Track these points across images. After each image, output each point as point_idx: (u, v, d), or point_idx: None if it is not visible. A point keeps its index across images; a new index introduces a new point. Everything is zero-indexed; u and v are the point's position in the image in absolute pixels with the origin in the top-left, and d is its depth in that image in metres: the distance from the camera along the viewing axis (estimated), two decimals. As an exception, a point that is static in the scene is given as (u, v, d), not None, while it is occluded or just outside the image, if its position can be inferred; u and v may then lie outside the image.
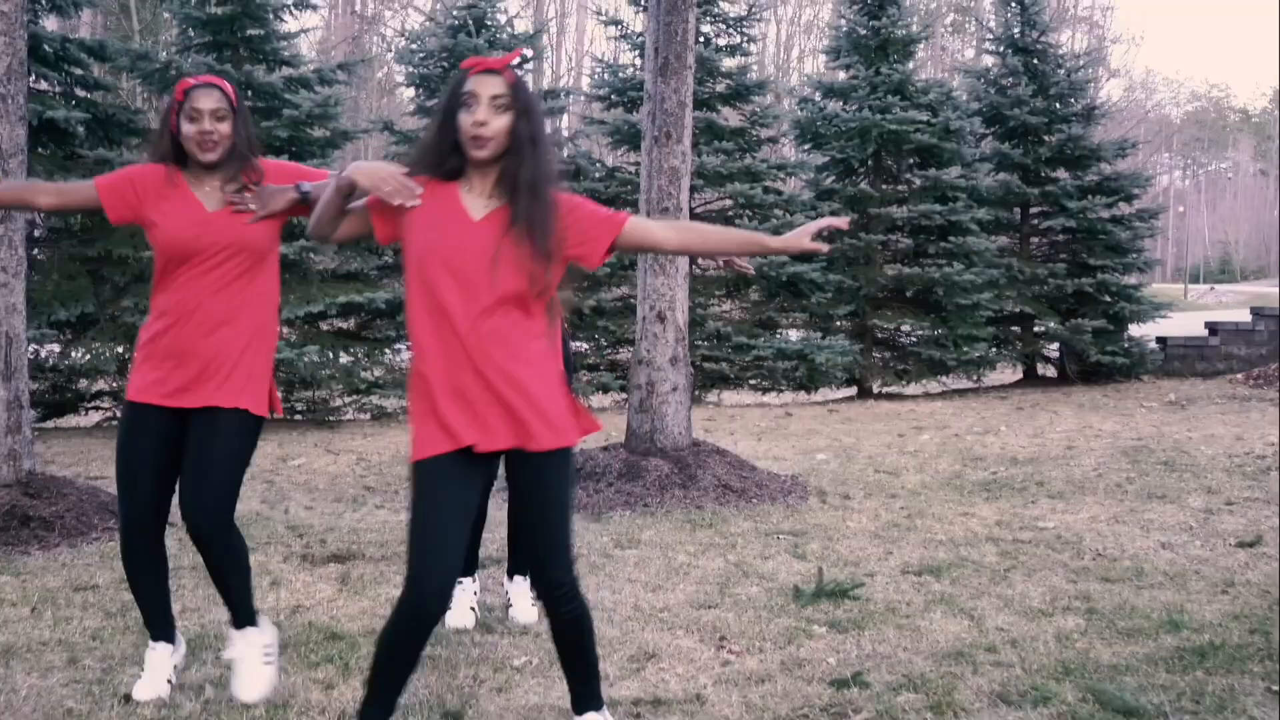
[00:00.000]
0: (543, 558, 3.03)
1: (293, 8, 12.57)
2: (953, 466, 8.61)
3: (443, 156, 2.96)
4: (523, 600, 4.75)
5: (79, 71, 11.82)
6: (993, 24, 16.84)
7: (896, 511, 6.95)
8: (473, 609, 4.68)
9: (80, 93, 11.93)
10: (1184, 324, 18.14)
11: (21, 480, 6.35)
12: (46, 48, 11.10)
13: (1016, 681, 3.93)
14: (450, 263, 2.91)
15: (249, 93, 11.95)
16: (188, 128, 3.48)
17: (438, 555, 2.91)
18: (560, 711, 3.68)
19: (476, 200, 2.98)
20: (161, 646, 3.82)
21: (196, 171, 3.55)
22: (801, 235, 3.11)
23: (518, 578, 4.81)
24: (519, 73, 3.00)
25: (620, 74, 14.68)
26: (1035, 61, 15.43)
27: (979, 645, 4.34)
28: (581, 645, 3.15)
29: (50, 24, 20.96)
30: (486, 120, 2.89)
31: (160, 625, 3.82)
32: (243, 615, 3.74)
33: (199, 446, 3.50)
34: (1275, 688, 3.83)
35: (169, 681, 3.81)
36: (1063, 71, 15.38)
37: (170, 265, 3.53)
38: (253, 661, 3.71)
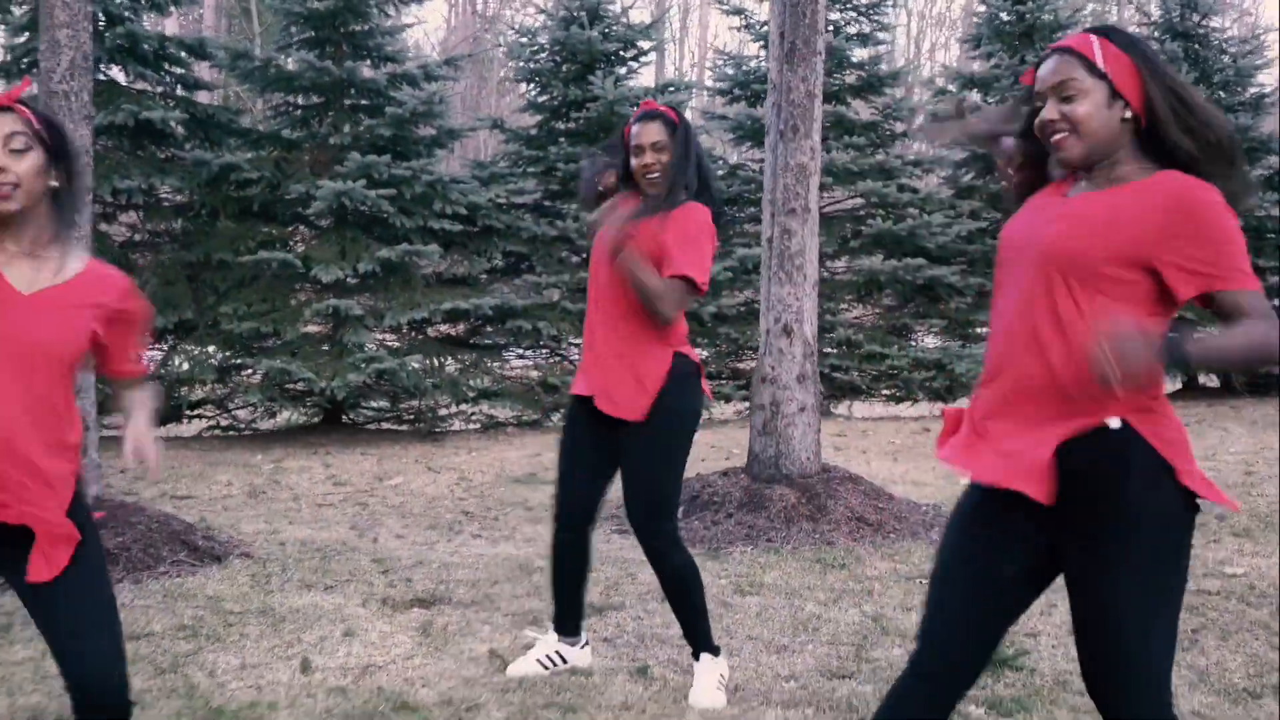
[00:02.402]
0: None
1: (398, 2, 12.07)
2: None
3: None
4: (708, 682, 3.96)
5: (179, 70, 11.49)
6: (1151, 7, 15.67)
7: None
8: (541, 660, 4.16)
9: (180, 92, 11.59)
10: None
11: (86, 508, 5.85)
12: (145, 46, 10.75)
13: (1237, 802, 3.10)
14: None
15: (351, 90, 11.48)
16: None
17: None
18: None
19: None
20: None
21: None
22: None
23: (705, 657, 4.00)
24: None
25: (743, 66, 13.91)
26: (1197, 47, 14.26)
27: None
28: None
29: (172, 24, 20.99)
30: None
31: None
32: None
33: None
34: None
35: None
36: (1227, 58, 14.18)
37: None
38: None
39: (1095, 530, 2.22)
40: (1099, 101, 2.27)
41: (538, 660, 4.13)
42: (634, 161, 3.84)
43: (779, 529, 6.35)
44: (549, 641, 4.18)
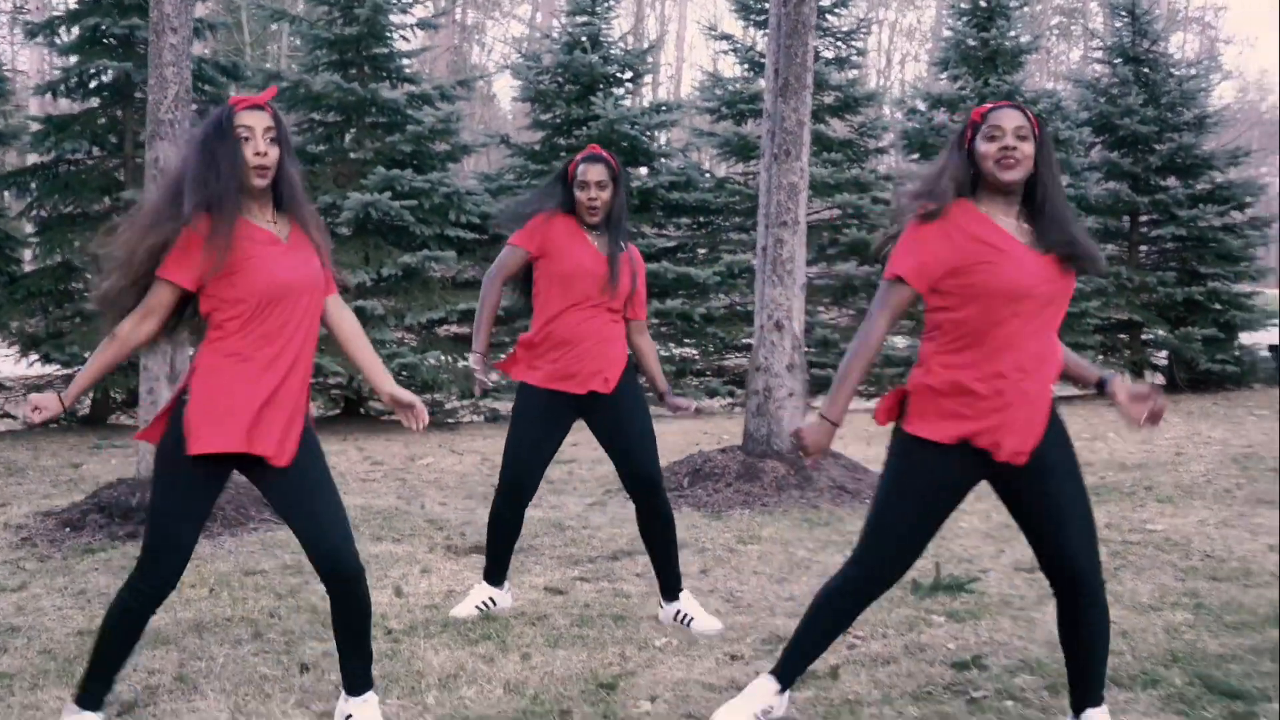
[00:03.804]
0: None
1: (415, 28, 13.12)
2: (1061, 471, 8.79)
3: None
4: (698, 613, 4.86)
5: (212, 89, 12.47)
6: (1102, 32, 16.85)
7: (1007, 514, 7.16)
8: (478, 606, 4.95)
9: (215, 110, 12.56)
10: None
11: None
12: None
13: (1127, 667, 4.18)
14: None
15: (373, 109, 12.51)
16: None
17: None
18: (704, 687, 4.03)
19: None
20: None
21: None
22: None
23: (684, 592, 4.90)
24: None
25: (729, 88, 15.00)
26: (1146, 70, 15.44)
27: (1092, 635, 4.59)
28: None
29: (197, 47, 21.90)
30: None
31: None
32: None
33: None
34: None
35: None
36: (1174, 81, 15.37)
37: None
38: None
39: None
40: (1032, 151, 3.33)
41: (475, 606, 4.90)
42: (579, 194, 4.64)
43: (771, 495, 7.43)
44: (483, 590, 4.96)
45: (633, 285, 4.74)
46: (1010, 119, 3.30)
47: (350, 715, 3.51)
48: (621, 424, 4.72)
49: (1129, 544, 6.30)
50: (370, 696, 3.54)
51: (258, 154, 3.27)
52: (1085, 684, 3.47)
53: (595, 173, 4.64)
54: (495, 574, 4.94)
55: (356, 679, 3.51)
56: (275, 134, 3.31)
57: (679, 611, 4.80)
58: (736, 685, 4.00)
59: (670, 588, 4.83)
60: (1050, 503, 3.40)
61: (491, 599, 4.94)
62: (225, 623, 4.78)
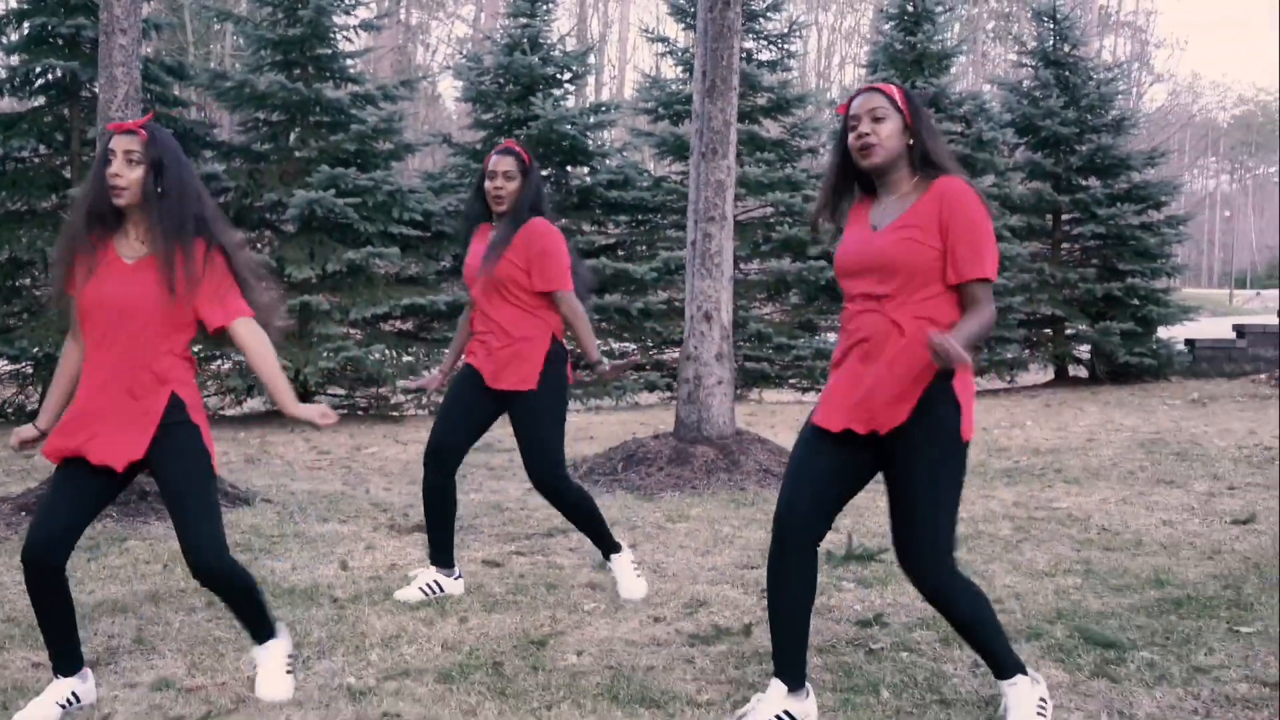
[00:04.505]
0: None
1: (358, 29, 13.38)
2: (978, 456, 9.23)
3: None
4: (625, 578, 5.15)
5: (158, 89, 12.66)
6: (1026, 38, 17.43)
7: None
8: (422, 589, 5.07)
9: (160, 109, 12.77)
10: (1222, 328, 18.62)
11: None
12: (135, 68, 11.93)
13: (1015, 623, 4.59)
14: None
15: (317, 108, 12.76)
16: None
17: None
18: (627, 643, 4.38)
19: None
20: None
21: None
22: None
23: (614, 556, 5.17)
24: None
25: (666, 89, 15.38)
26: (1067, 74, 16.01)
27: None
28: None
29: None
30: None
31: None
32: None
33: None
34: (1239, 629, 4.47)
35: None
36: (1093, 84, 15.95)
37: None
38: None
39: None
40: (896, 126, 3.36)
41: (419, 589, 5.00)
42: (488, 184, 4.89)
43: (701, 479, 7.81)
44: (429, 573, 5.06)
45: (520, 265, 4.86)
46: (863, 104, 3.36)
47: (254, 660, 3.89)
48: (524, 427, 4.94)
49: (1033, 519, 6.72)
50: (272, 643, 3.86)
51: (113, 175, 3.52)
52: (987, 660, 3.57)
53: (504, 164, 4.89)
54: (438, 554, 5.04)
55: (255, 633, 3.87)
56: (137, 156, 3.52)
57: (610, 570, 5.15)
58: (657, 642, 4.36)
59: (605, 551, 5.16)
60: (901, 485, 3.43)
61: (437, 582, 5.04)
62: (180, 593, 5.07)
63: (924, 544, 3.43)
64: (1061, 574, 5.43)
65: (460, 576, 5.16)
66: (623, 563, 5.14)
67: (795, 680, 3.51)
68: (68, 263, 3.62)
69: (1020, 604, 4.88)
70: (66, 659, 3.66)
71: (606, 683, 3.92)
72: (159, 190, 3.54)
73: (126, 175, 3.52)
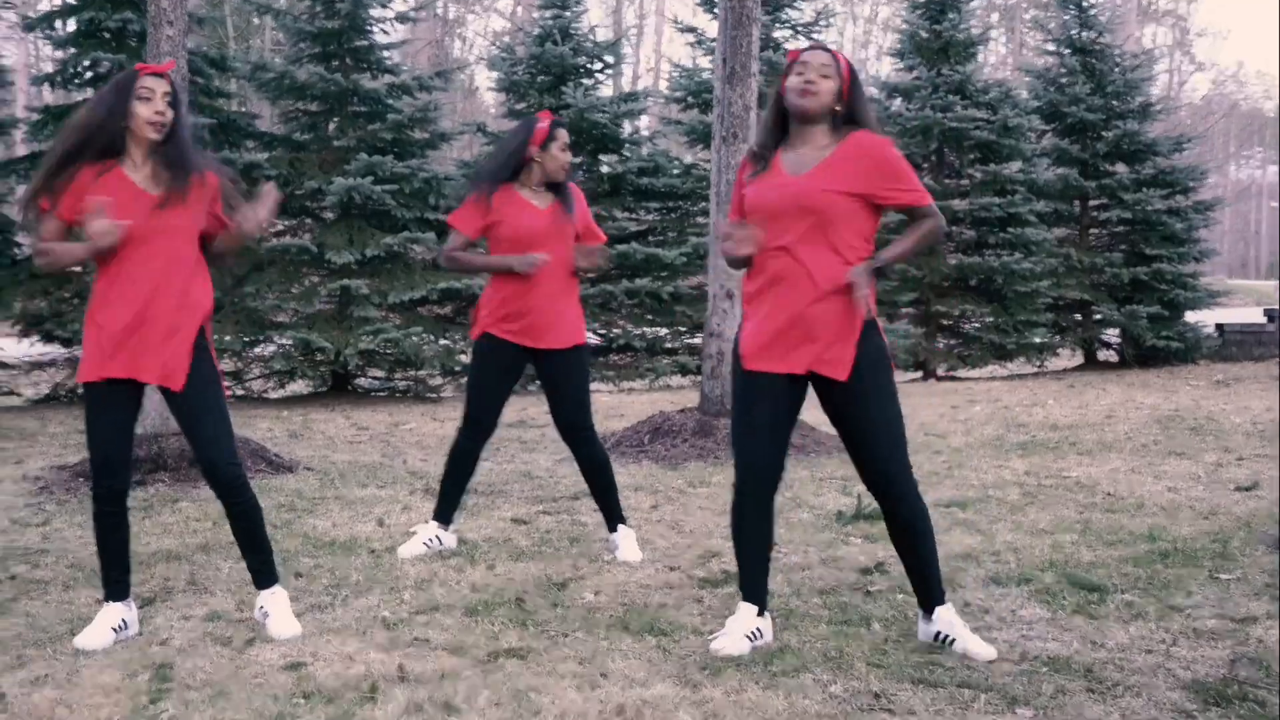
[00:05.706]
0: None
1: (394, 21, 13.77)
2: (996, 431, 9.49)
3: None
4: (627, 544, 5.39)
5: (201, 81, 13.08)
6: (1050, 25, 17.60)
7: (938, 464, 7.86)
8: (425, 543, 5.32)
9: (203, 100, 13.20)
10: (1256, 314, 18.73)
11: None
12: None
13: (1009, 572, 4.87)
14: None
15: (355, 98, 13.15)
16: None
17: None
18: (641, 586, 4.71)
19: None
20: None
21: None
22: None
23: (621, 527, 5.41)
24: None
25: (695, 79, 15.68)
26: (1092, 61, 16.18)
27: (986, 551, 5.28)
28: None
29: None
30: None
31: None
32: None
33: None
34: (1219, 576, 4.74)
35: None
36: (1118, 70, 16.11)
37: None
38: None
39: None
40: (834, 87, 3.71)
41: (423, 543, 5.26)
42: (551, 162, 5.10)
43: (724, 449, 8.11)
44: (430, 528, 5.33)
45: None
46: (814, 57, 3.72)
47: (263, 606, 4.12)
48: (577, 377, 5.27)
49: (1043, 486, 6.97)
50: (278, 589, 4.13)
51: (159, 113, 3.81)
52: (925, 585, 3.92)
53: (563, 137, 5.17)
54: (444, 510, 5.31)
55: (260, 574, 4.13)
56: (171, 98, 3.86)
57: (612, 541, 5.36)
58: (670, 585, 4.69)
59: (611, 521, 5.38)
60: (860, 417, 3.79)
61: (438, 536, 5.29)
62: (229, 545, 5.41)
63: (896, 456, 3.84)
64: (1061, 532, 5.68)
65: (454, 532, 5.45)
66: (626, 532, 5.35)
67: (762, 602, 3.97)
68: (53, 189, 3.82)
69: (1016, 555, 5.16)
70: (118, 586, 4.04)
71: (620, 615, 4.26)
72: (176, 126, 3.91)
73: (167, 114, 3.84)
